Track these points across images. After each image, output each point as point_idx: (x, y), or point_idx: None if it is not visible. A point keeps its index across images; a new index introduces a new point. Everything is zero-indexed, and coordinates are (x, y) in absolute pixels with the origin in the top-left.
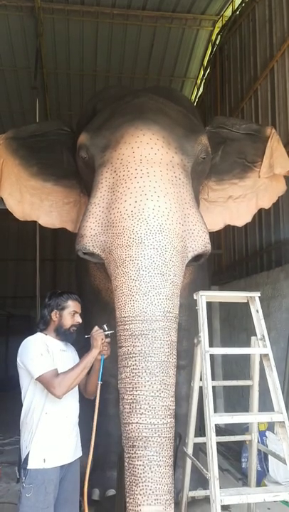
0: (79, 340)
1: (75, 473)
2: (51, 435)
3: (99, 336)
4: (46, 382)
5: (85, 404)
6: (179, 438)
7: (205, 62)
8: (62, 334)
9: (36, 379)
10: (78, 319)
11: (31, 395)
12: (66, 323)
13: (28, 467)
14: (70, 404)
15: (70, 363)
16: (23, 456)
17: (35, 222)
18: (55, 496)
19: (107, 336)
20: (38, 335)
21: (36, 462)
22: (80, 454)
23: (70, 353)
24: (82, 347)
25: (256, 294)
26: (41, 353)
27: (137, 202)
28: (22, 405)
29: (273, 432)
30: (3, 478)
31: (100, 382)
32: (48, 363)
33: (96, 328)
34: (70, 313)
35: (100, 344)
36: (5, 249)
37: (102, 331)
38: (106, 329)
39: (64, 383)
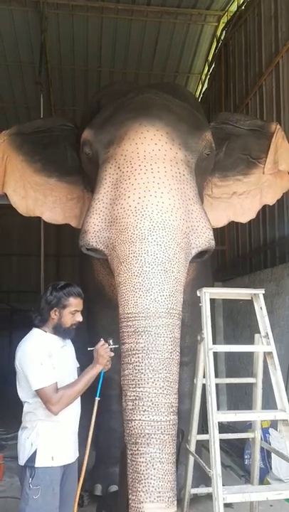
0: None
1: (75, 473)
2: (57, 433)
3: (106, 353)
4: (45, 397)
5: (87, 400)
6: (182, 435)
7: (210, 58)
8: (61, 333)
9: (35, 391)
10: (79, 318)
11: (35, 393)
12: (66, 323)
13: (35, 465)
14: (74, 403)
15: (71, 358)
16: (28, 454)
17: (39, 218)
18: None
19: (111, 350)
20: (37, 334)
21: (45, 460)
22: (78, 453)
23: (69, 348)
24: (86, 343)
25: (260, 291)
26: (41, 362)
27: (140, 198)
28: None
29: (277, 429)
30: (7, 472)
31: (97, 398)
32: (48, 374)
33: (102, 342)
34: (71, 312)
35: (105, 362)
36: (9, 244)
37: (107, 345)
38: (111, 344)
39: (63, 401)
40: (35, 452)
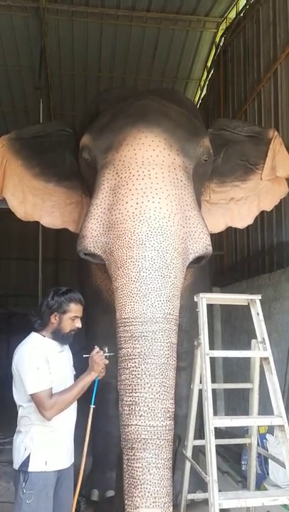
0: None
1: (70, 480)
2: (51, 438)
3: (101, 360)
4: (39, 402)
5: (85, 404)
6: (179, 440)
7: (208, 64)
8: (60, 338)
9: (30, 395)
10: (78, 324)
11: (30, 397)
12: (65, 328)
13: (28, 470)
14: (70, 408)
15: (68, 363)
16: (22, 458)
17: (37, 222)
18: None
19: (106, 358)
20: (35, 338)
21: (38, 465)
22: (73, 459)
23: (66, 353)
24: (83, 348)
25: (257, 297)
26: (37, 367)
27: (138, 203)
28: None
29: (274, 435)
30: (3, 477)
31: (92, 406)
32: (43, 379)
33: (97, 349)
34: (71, 317)
35: (100, 369)
36: (8, 248)
37: (102, 352)
38: (106, 351)
39: (56, 407)
40: (28, 457)
